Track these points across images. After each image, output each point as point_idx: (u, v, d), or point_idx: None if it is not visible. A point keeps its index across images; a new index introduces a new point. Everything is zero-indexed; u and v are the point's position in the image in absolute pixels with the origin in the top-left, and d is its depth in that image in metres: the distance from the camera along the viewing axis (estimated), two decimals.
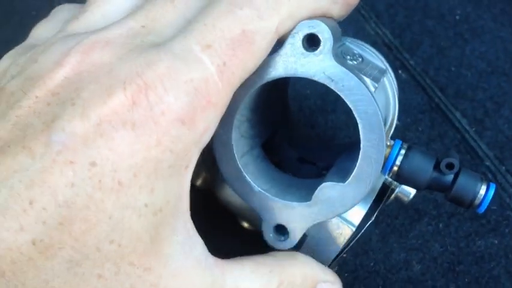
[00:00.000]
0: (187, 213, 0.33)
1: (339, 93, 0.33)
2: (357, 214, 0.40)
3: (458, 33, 0.73)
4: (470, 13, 0.75)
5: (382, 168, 0.37)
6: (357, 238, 0.41)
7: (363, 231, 0.41)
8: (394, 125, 0.43)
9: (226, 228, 0.45)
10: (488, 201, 0.37)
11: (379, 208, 0.42)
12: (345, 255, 0.43)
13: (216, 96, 0.31)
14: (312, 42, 0.34)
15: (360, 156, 0.34)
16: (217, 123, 0.32)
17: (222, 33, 0.31)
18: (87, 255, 0.29)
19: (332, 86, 0.33)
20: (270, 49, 0.33)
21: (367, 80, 0.35)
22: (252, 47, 0.32)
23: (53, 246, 0.28)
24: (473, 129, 0.60)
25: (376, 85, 0.36)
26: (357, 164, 0.34)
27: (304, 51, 0.34)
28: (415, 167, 0.37)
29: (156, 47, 0.31)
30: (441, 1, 0.77)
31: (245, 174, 0.37)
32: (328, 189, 0.36)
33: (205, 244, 0.34)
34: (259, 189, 0.37)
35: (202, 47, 0.31)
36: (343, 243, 0.40)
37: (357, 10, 0.76)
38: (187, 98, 0.30)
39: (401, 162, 0.37)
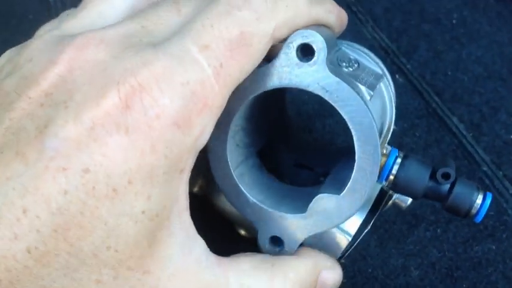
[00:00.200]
0: (186, 214, 0.32)
1: (333, 104, 0.33)
2: (353, 223, 0.40)
3: (455, 37, 0.73)
4: (467, 17, 0.76)
5: (378, 177, 0.37)
6: (353, 247, 0.41)
7: (359, 239, 0.41)
8: (391, 130, 0.43)
9: (223, 234, 0.44)
10: (485, 210, 0.37)
11: (376, 216, 0.42)
12: (343, 261, 0.43)
13: (212, 99, 0.30)
14: (306, 52, 0.33)
15: (354, 168, 0.34)
16: (213, 127, 0.31)
17: (219, 34, 0.31)
18: (83, 261, 0.28)
19: (326, 97, 0.33)
20: (265, 53, 0.33)
21: (363, 88, 0.35)
22: (250, 49, 0.32)
23: (49, 254, 0.27)
24: (471, 134, 0.60)
25: (372, 93, 0.36)
26: (352, 175, 0.34)
27: (298, 61, 0.34)
28: (411, 176, 0.37)
29: (153, 46, 0.30)
30: (438, 5, 0.77)
31: (240, 185, 0.37)
32: (323, 201, 0.36)
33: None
34: (254, 200, 0.37)
35: (199, 48, 0.30)
36: (340, 253, 0.40)
37: (354, 14, 0.76)
38: (184, 101, 0.29)
39: (398, 171, 0.37)
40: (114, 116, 0.28)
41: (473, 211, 0.37)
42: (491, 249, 0.51)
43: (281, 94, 0.47)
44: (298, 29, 0.34)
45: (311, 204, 0.36)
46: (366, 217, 0.41)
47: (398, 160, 0.37)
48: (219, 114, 0.31)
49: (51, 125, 0.28)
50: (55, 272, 0.28)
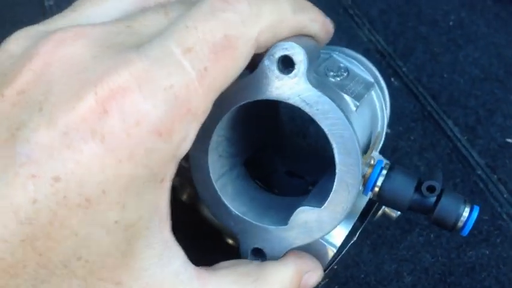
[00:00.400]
0: (166, 225, 0.31)
1: (313, 117, 0.33)
2: (338, 235, 0.40)
3: (452, 39, 0.73)
4: (464, 19, 0.75)
5: (364, 189, 0.36)
6: (339, 257, 0.41)
7: (345, 250, 0.41)
8: (382, 138, 0.43)
9: (210, 242, 0.44)
10: (472, 223, 0.37)
11: (362, 227, 0.42)
12: (335, 267, 0.42)
13: (196, 104, 0.29)
14: (286, 64, 0.33)
15: (335, 181, 0.34)
16: (195, 134, 0.30)
17: (204, 36, 0.29)
18: (53, 272, 0.28)
19: (306, 110, 0.33)
20: (249, 59, 0.32)
21: (348, 99, 0.35)
22: (234, 53, 0.30)
23: (17, 264, 0.27)
24: (465, 137, 0.60)
25: (358, 103, 0.35)
26: (333, 188, 0.34)
27: (278, 73, 0.33)
28: (397, 188, 0.37)
29: (136, 48, 0.28)
30: (435, 7, 0.77)
31: (222, 197, 0.37)
32: (304, 214, 0.35)
33: (190, 256, 0.33)
34: (236, 212, 0.37)
35: (183, 50, 0.29)
36: (325, 264, 0.40)
37: (350, 17, 0.76)
38: (166, 107, 0.27)
39: (383, 183, 0.37)
40: (90, 121, 0.26)
41: (460, 224, 0.37)
42: (484, 254, 0.51)
43: (273, 102, 0.47)
44: (281, 38, 0.33)
45: (292, 217, 0.36)
46: (352, 228, 0.40)
47: (384, 171, 0.37)
48: (202, 121, 0.30)
49: (23, 128, 0.26)
50: (23, 283, 0.27)
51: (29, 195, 0.26)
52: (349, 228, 0.40)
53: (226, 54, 0.30)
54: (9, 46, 0.30)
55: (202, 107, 0.29)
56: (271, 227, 0.36)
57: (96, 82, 0.27)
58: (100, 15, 0.33)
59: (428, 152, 0.59)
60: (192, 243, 0.34)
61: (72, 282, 0.28)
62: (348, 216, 0.36)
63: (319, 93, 0.33)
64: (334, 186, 0.34)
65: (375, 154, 0.39)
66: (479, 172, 0.57)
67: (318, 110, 0.33)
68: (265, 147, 0.45)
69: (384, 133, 0.44)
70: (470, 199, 0.54)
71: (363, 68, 0.43)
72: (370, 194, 0.37)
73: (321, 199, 0.35)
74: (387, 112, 0.45)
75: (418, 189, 0.37)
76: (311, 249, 0.39)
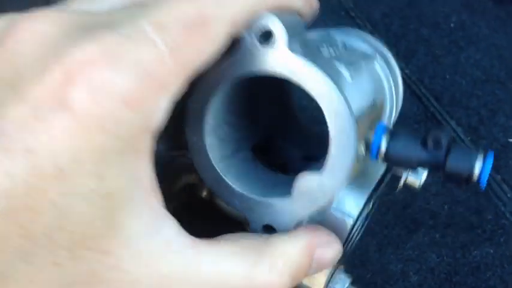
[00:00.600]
0: (152, 197, 0.31)
1: (300, 85, 0.33)
2: (354, 204, 0.38)
3: (453, 41, 0.73)
4: (465, 20, 0.76)
5: (370, 153, 0.36)
6: (362, 229, 0.40)
7: (366, 222, 0.39)
8: (394, 108, 0.42)
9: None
10: (488, 172, 0.35)
11: (377, 195, 0.41)
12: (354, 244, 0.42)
13: (167, 79, 0.29)
14: (266, 36, 0.33)
15: (331, 145, 0.33)
16: (169, 109, 0.30)
17: (176, 14, 0.30)
18: (37, 243, 0.28)
19: (292, 79, 0.33)
20: (226, 39, 0.32)
21: (340, 66, 0.35)
22: (208, 32, 0.31)
23: (0, 238, 0.27)
24: (469, 138, 0.61)
25: (351, 70, 0.35)
26: (329, 152, 0.34)
27: (260, 46, 0.34)
28: (402, 148, 0.35)
29: (108, 26, 0.29)
30: (436, 9, 0.77)
31: (224, 177, 0.37)
32: (305, 181, 0.35)
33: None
34: (240, 190, 0.37)
35: (154, 28, 0.29)
36: (344, 236, 0.38)
37: (352, 19, 0.76)
38: (136, 79, 0.28)
39: (387, 145, 0.35)
40: (58, 93, 0.27)
41: (475, 174, 0.34)
42: (489, 253, 0.52)
43: (276, 85, 0.47)
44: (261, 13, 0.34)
45: (294, 184, 0.35)
46: (368, 198, 0.39)
47: (387, 134, 0.36)
48: (175, 97, 0.30)
49: None
50: (10, 256, 0.28)
51: (4, 168, 0.27)
52: (365, 198, 0.39)
53: (200, 32, 0.31)
54: None
55: (174, 81, 0.30)
56: (276, 200, 0.36)
57: (65, 56, 0.27)
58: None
59: None
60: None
61: (57, 253, 0.29)
62: (362, 185, 0.36)
63: (303, 61, 0.33)
64: (330, 150, 0.34)
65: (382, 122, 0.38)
66: None
67: (303, 77, 0.33)
68: (276, 133, 0.46)
69: (395, 104, 0.43)
70: (474, 197, 0.55)
71: (364, 44, 0.43)
72: (380, 160, 0.36)
73: (321, 166, 0.35)
74: (398, 85, 0.45)
75: (424, 145, 0.35)
76: (328, 223, 0.38)
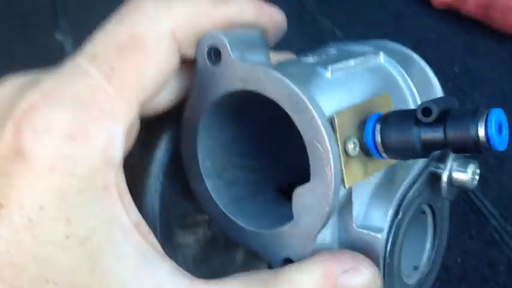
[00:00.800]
0: (135, 235, 0.30)
1: (257, 91, 0.32)
2: (381, 216, 0.34)
3: (458, 85, 0.74)
4: (469, 64, 0.77)
5: (368, 150, 0.33)
6: (400, 245, 0.35)
7: (402, 236, 0.35)
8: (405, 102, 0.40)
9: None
10: (496, 129, 0.30)
11: (413, 199, 0.36)
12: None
13: (109, 105, 0.29)
14: (215, 54, 0.33)
15: (307, 147, 0.32)
16: (123, 134, 0.30)
17: (109, 41, 0.31)
18: None
19: (250, 88, 0.33)
20: (170, 52, 0.32)
21: (320, 67, 0.35)
22: (144, 48, 0.31)
23: None
24: (478, 187, 0.61)
25: (334, 70, 0.35)
26: (309, 157, 0.32)
27: (210, 65, 0.33)
28: (396, 132, 0.32)
29: (50, 72, 0.30)
30: (441, 53, 0.78)
31: (234, 219, 0.36)
32: (299, 195, 0.33)
33: None
34: (251, 228, 0.35)
35: (89, 59, 0.30)
36: (380, 254, 0.34)
37: None
38: (74, 112, 0.28)
39: (381, 136, 0.32)
40: (13, 145, 0.28)
41: (481, 137, 0.29)
42: None
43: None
44: (206, 31, 0.34)
45: (293, 203, 0.33)
46: (398, 204, 0.35)
47: (378, 125, 0.33)
48: (127, 121, 0.30)
49: None
50: None
51: None
52: (394, 206, 0.35)
53: (134, 51, 0.31)
54: None
55: (118, 106, 0.30)
56: (285, 228, 0.34)
57: (14, 109, 0.29)
58: None
59: None
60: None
61: None
62: (388, 193, 0.34)
63: (252, 67, 0.32)
64: (308, 152, 0.32)
65: None
66: (493, 223, 0.59)
67: (256, 82, 0.32)
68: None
69: (418, 97, 0.41)
70: (487, 248, 0.56)
71: (372, 47, 0.41)
72: (384, 155, 0.33)
73: None
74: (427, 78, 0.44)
75: (417, 122, 0.31)
76: (357, 246, 0.35)
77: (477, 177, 0.37)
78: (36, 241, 0.28)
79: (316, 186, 0.32)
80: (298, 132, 0.32)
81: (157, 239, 0.39)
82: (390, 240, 0.34)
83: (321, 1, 0.90)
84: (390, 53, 0.41)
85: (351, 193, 0.34)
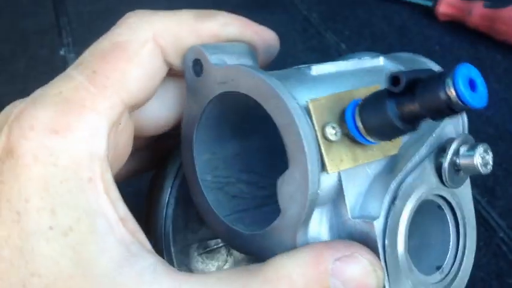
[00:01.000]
0: (118, 227, 0.30)
1: (238, 91, 0.33)
2: (376, 205, 0.33)
3: None
4: None
5: (353, 137, 0.32)
6: (403, 234, 0.34)
7: (405, 224, 0.34)
8: None
9: None
10: (464, 88, 0.28)
11: (409, 185, 0.34)
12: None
13: (91, 101, 0.31)
14: (199, 66, 0.35)
15: (282, 136, 0.32)
16: (106, 128, 0.31)
17: (93, 50, 0.33)
18: None
19: (230, 88, 0.34)
20: (153, 55, 0.34)
21: (306, 67, 0.35)
22: (126, 53, 0.33)
23: None
24: (485, 199, 0.61)
25: (313, 67, 0.35)
26: (285, 144, 0.31)
27: (196, 77, 0.35)
28: (372, 110, 0.31)
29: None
30: (446, 65, 0.77)
31: (235, 227, 0.36)
32: (280, 184, 0.32)
33: None
34: (247, 232, 0.35)
35: (74, 67, 0.33)
36: (374, 245, 0.32)
37: None
38: (57, 108, 0.30)
39: (361, 118, 0.32)
40: (6, 145, 0.30)
41: (453, 98, 0.28)
42: None
43: None
44: (188, 44, 0.35)
45: (278, 195, 0.32)
46: (394, 191, 0.34)
47: (357, 109, 0.32)
48: (111, 116, 0.32)
49: None
50: None
51: None
52: (387, 193, 0.33)
53: (116, 55, 0.33)
54: None
55: (100, 102, 0.32)
56: (274, 223, 0.33)
57: (9, 116, 0.31)
58: None
59: None
60: None
61: None
62: (383, 181, 0.33)
63: (229, 67, 0.34)
64: (284, 142, 0.31)
65: None
66: (501, 235, 0.58)
67: (233, 80, 0.33)
68: None
69: None
70: (494, 260, 0.55)
71: (378, 56, 0.41)
72: (371, 139, 0.32)
73: None
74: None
75: (390, 94, 0.30)
76: (355, 236, 0.33)
77: (490, 161, 0.36)
78: (23, 233, 0.29)
79: (295, 173, 0.31)
80: None
81: (172, 263, 0.39)
82: (388, 228, 0.33)
83: (325, 15, 0.90)
84: (393, 58, 0.41)
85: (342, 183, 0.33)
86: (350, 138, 0.33)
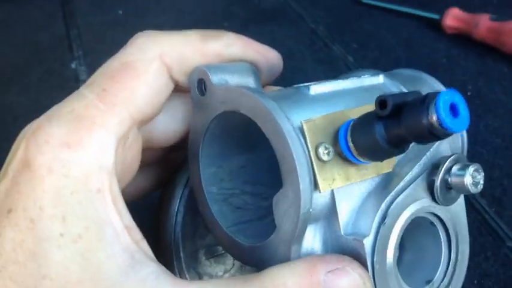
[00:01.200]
0: (125, 236, 0.33)
1: (236, 110, 0.35)
2: (367, 223, 0.34)
3: (471, 109, 0.74)
4: (482, 88, 0.77)
5: (345, 157, 0.33)
6: (393, 249, 0.35)
7: (395, 241, 0.35)
8: None
9: None
10: (445, 115, 0.28)
11: (400, 205, 0.35)
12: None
13: (101, 118, 0.33)
14: (203, 85, 0.36)
15: (276, 155, 0.33)
16: (115, 143, 0.34)
17: (103, 70, 0.36)
18: None
19: (228, 108, 0.35)
20: (159, 73, 0.36)
21: (304, 87, 0.37)
22: (134, 72, 0.35)
23: None
24: (493, 209, 0.61)
25: (311, 86, 0.36)
26: (279, 163, 0.33)
27: (200, 96, 0.36)
28: (362, 132, 0.32)
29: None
30: (453, 78, 0.79)
31: (236, 239, 0.37)
32: (278, 202, 0.33)
33: None
34: (247, 244, 0.36)
35: (85, 86, 0.35)
36: (364, 260, 0.34)
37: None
38: (69, 124, 0.33)
39: (352, 139, 0.33)
40: (22, 159, 0.32)
41: (435, 124, 0.28)
42: None
43: None
44: (193, 63, 0.37)
45: (274, 211, 0.34)
46: (384, 211, 0.34)
47: (349, 130, 0.33)
48: (119, 131, 0.34)
49: None
50: None
51: None
52: (378, 211, 0.34)
53: (124, 74, 0.35)
54: None
55: (109, 118, 0.34)
56: (270, 238, 0.34)
57: (27, 133, 0.33)
58: None
59: None
60: None
61: None
62: (376, 200, 0.34)
63: (227, 87, 0.35)
64: (278, 162, 0.33)
65: None
66: (509, 244, 0.58)
67: (232, 101, 0.35)
68: None
69: None
70: (503, 270, 0.55)
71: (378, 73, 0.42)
72: (362, 159, 0.33)
73: None
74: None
75: (379, 117, 0.31)
76: (347, 252, 0.34)
77: (481, 181, 0.37)
78: (37, 239, 0.31)
79: (288, 191, 0.32)
80: None
81: (181, 267, 0.40)
82: (377, 245, 0.34)
83: (332, 28, 0.91)
84: (394, 76, 0.42)
85: (335, 200, 0.34)
86: (343, 157, 0.34)
